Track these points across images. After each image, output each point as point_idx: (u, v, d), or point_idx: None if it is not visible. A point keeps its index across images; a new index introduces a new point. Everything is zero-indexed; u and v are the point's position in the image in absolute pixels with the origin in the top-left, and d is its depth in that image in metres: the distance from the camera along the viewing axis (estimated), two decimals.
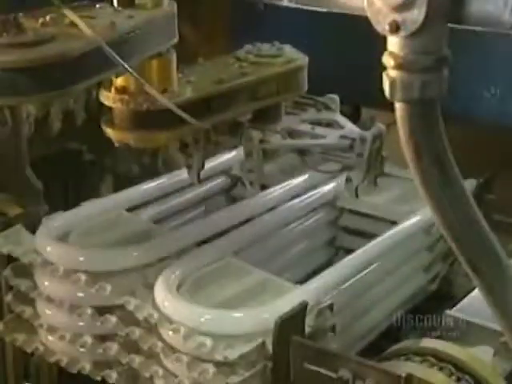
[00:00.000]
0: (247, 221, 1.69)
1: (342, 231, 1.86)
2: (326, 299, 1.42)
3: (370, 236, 1.73)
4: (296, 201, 1.79)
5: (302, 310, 1.35)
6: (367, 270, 1.56)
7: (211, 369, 1.32)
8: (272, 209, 1.74)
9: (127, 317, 1.45)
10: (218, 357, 1.30)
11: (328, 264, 1.73)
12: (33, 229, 1.62)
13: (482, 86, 1.82)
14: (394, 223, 1.73)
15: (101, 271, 1.47)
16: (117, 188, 2.27)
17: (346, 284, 1.50)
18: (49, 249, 1.52)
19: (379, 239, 1.64)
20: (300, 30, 2.03)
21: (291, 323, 1.32)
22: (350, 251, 1.67)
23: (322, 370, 1.28)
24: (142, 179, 2.25)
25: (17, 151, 1.57)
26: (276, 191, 1.81)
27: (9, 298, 1.61)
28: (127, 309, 1.43)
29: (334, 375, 1.27)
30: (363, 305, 1.56)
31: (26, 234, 1.60)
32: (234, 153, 1.93)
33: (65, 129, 2.07)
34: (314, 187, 1.85)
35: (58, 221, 1.62)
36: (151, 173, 2.28)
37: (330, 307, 1.42)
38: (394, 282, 1.66)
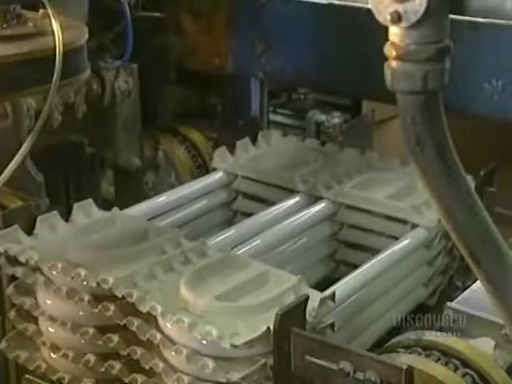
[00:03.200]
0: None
1: (343, 245, 1.86)
2: (328, 317, 1.42)
3: (370, 250, 1.73)
4: (296, 216, 1.80)
5: (302, 302, 1.34)
6: (366, 288, 1.57)
7: None
8: (272, 226, 1.76)
9: (130, 336, 1.45)
10: (221, 378, 1.32)
11: (328, 278, 1.74)
12: (33, 222, 1.62)
13: (483, 78, 1.82)
14: (391, 218, 1.74)
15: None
16: (117, 181, 2.27)
17: (346, 302, 1.51)
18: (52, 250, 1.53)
19: (380, 256, 1.65)
20: (301, 22, 2.02)
21: (292, 315, 1.32)
22: (350, 265, 1.67)
23: (323, 362, 1.28)
24: (143, 172, 2.26)
25: (17, 144, 1.56)
26: (276, 209, 1.83)
27: (12, 314, 1.61)
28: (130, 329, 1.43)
29: (334, 367, 1.27)
30: (362, 321, 1.57)
31: (22, 233, 1.60)
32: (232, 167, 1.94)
33: (65, 122, 2.07)
34: (313, 202, 1.86)
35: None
36: (152, 166, 2.29)
37: (332, 326, 1.42)
38: (393, 297, 1.66)
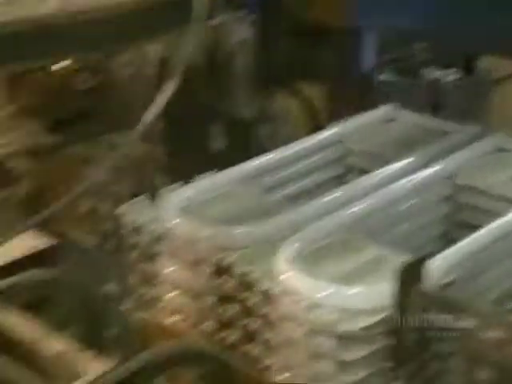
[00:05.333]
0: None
1: (461, 207, 1.79)
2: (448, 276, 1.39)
3: (489, 214, 1.66)
4: (413, 176, 1.74)
5: (422, 260, 1.32)
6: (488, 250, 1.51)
7: None
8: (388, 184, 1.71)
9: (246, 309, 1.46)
10: (341, 328, 1.31)
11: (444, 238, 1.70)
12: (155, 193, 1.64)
13: None
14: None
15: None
16: (231, 133, 2.27)
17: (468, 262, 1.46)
18: (175, 221, 1.55)
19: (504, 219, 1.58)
20: None
21: (413, 271, 1.30)
22: (468, 227, 1.63)
23: (445, 320, 1.27)
24: (256, 125, 2.26)
25: (144, 91, 1.56)
26: (390, 169, 1.77)
27: (134, 279, 1.64)
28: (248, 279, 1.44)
29: (458, 325, 1.25)
30: (485, 282, 1.50)
31: (148, 204, 1.63)
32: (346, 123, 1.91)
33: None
34: (430, 162, 1.80)
35: (178, 195, 1.64)
36: (266, 119, 2.29)
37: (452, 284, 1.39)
38: None
